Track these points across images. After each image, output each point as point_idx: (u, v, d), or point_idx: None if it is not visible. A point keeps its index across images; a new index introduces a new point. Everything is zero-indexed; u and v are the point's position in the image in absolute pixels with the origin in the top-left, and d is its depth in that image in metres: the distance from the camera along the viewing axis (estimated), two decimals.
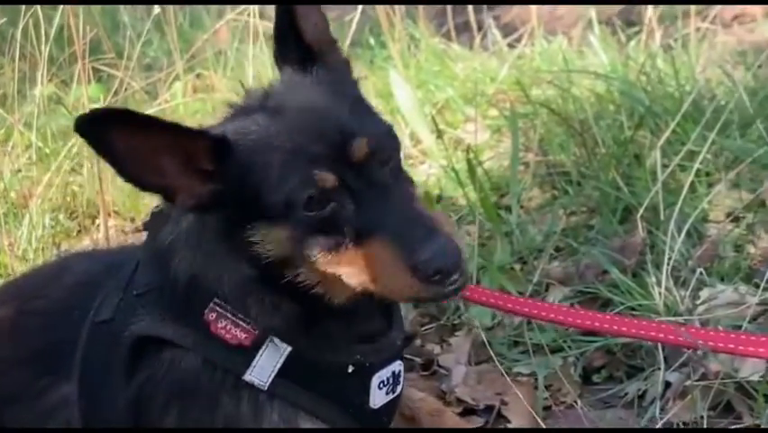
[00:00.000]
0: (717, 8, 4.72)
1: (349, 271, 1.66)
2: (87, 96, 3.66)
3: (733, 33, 4.90)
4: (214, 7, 6.15)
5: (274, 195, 1.64)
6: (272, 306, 1.76)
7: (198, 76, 4.66)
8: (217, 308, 1.78)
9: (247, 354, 1.77)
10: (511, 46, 4.76)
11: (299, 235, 1.65)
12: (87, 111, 1.62)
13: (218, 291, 1.77)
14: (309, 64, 1.78)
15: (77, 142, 3.70)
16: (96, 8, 4.69)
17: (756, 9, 5.18)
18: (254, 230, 1.68)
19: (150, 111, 3.99)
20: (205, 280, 1.78)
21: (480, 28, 5.02)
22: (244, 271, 1.74)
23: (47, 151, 3.93)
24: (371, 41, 5.11)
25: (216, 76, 4.50)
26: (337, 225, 1.64)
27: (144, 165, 1.65)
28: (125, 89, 4.23)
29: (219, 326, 1.77)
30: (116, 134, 1.60)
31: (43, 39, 3.74)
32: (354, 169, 1.63)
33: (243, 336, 1.76)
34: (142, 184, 1.70)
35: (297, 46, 1.78)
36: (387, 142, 1.71)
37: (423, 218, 1.64)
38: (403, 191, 1.69)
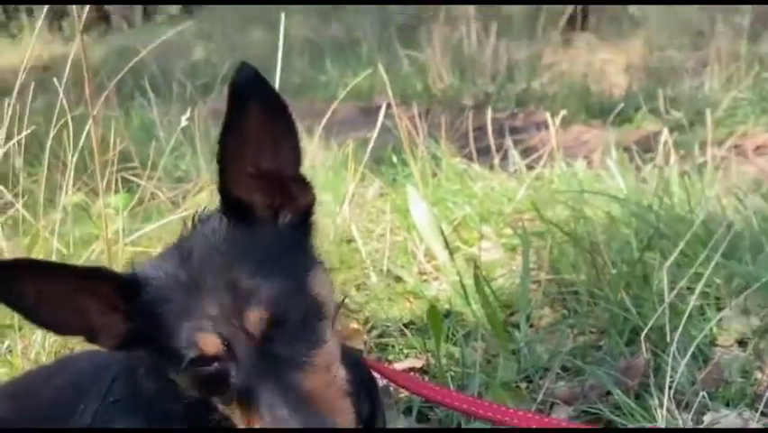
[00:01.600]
0: (733, 137, 4.79)
1: (243, 422, 1.61)
2: (111, 206, 3.75)
3: (754, 164, 4.96)
4: None
5: (168, 345, 1.62)
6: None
7: None
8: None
9: None
10: (530, 168, 4.84)
11: (196, 385, 1.64)
12: None
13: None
14: (233, 213, 1.68)
15: (96, 248, 3.78)
16: (130, 121, 4.85)
17: None
18: (170, 371, 1.67)
19: (171, 218, 4.09)
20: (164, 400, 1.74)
21: (499, 150, 5.12)
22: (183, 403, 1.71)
23: (67, 255, 3.99)
24: (394, 158, 5.22)
25: None
26: (225, 382, 1.59)
27: (61, 309, 1.65)
28: (152, 198, 4.34)
29: None
30: (23, 285, 1.60)
31: (71, 149, 3.85)
32: (244, 335, 1.57)
33: None
34: (62, 329, 1.73)
35: (225, 194, 1.68)
36: (290, 307, 1.60)
37: (299, 397, 1.54)
38: (293, 360, 1.58)
